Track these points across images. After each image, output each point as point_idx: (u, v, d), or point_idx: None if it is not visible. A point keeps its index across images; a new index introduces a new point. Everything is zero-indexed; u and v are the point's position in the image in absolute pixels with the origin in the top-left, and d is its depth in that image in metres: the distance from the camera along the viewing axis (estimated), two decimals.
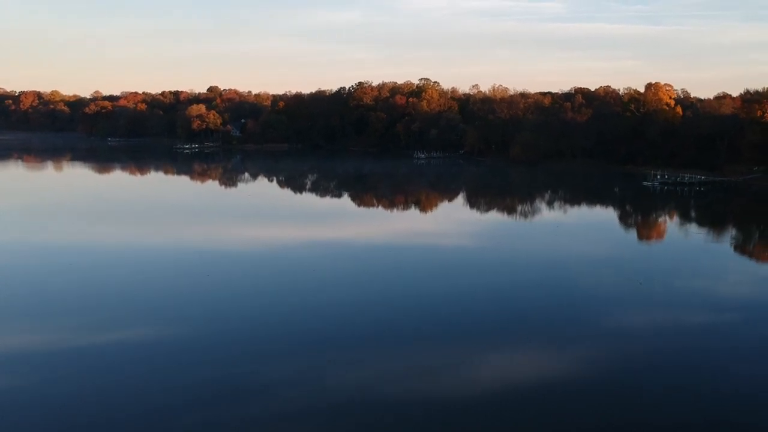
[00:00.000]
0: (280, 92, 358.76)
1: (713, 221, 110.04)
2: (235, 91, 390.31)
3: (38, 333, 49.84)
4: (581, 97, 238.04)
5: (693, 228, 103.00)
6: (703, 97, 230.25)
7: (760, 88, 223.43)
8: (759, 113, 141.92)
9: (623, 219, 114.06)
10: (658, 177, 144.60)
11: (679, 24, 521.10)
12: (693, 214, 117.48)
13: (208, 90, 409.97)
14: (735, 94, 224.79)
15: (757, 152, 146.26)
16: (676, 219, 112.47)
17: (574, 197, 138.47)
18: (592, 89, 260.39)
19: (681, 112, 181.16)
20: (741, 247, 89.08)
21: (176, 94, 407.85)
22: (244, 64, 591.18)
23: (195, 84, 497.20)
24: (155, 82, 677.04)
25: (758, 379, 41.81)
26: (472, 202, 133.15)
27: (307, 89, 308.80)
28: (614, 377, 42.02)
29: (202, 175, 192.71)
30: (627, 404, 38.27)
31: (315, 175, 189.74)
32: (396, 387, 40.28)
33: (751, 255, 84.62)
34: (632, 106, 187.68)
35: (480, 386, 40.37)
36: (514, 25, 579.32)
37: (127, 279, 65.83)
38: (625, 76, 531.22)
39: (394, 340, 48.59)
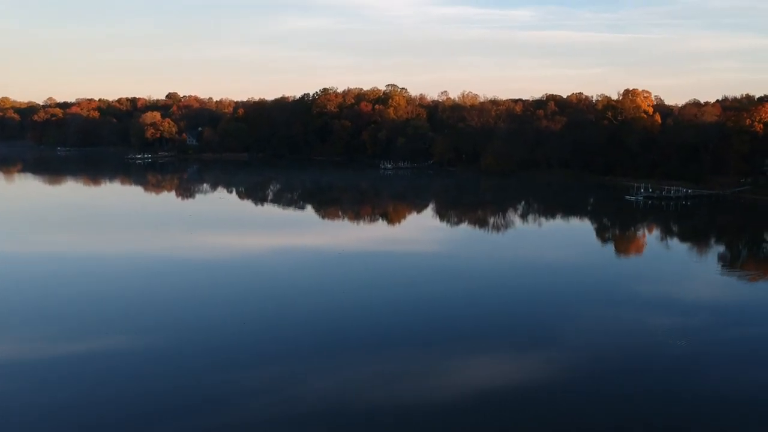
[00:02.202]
0: (245, 99, 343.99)
1: (706, 241, 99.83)
2: (195, 98, 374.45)
3: (6, 343, 49.66)
4: (554, 104, 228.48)
5: (684, 250, 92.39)
6: (669, 104, 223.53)
7: (737, 95, 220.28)
8: (748, 122, 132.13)
9: (608, 238, 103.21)
10: (642, 190, 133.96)
11: (645, 32, 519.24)
12: (682, 232, 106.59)
13: (167, 97, 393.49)
14: (702, 101, 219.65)
15: (744, 163, 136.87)
16: (663, 238, 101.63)
17: (552, 213, 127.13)
18: (564, 96, 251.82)
19: (660, 120, 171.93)
20: (744, 275, 78.26)
21: (133, 101, 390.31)
22: (209, 71, 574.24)
23: (159, 91, 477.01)
24: (116, 89, 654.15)
25: (730, 382, 42.57)
26: (445, 222, 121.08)
27: (272, 97, 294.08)
28: (589, 382, 42.78)
29: (156, 188, 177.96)
30: (601, 408, 38.95)
31: (263, 190, 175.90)
32: (372, 393, 40.73)
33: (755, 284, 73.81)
34: (609, 113, 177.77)
35: (453, 391, 40.68)
36: (483, 33, 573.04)
37: (92, 289, 65.39)
38: (594, 83, 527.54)
39: (371, 347, 49.27)
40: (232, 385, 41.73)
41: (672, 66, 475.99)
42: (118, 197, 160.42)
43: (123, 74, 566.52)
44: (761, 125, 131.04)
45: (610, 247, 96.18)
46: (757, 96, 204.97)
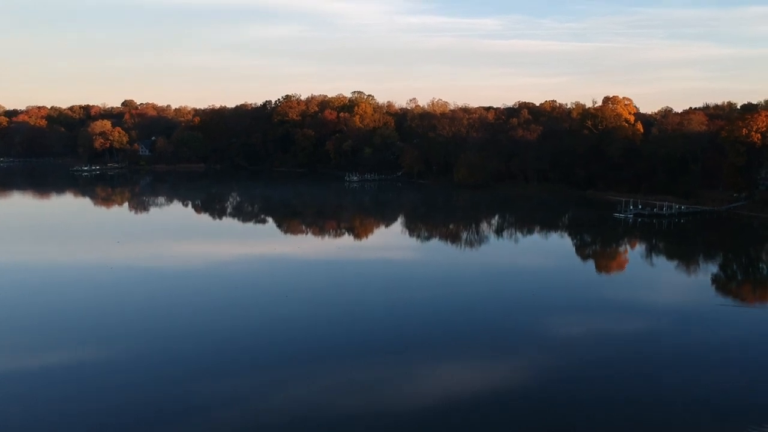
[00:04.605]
0: (205, 107, 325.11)
1: (718, 270, 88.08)
2: (153, 106, 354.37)
3: None
4: (527, 112, 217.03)
5: (696, 281, 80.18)
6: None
7: (719, 102, 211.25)
8: (744, 132, 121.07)
9: (599, 261, 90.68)
10: (631, 207, 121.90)
11: (609, 42, 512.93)
12: (684, 257, 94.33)
13: (122, 104, 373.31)
14: (673, 110, 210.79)
15: (739, 176, 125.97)
16: (661, 264, 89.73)
17: (535, 233, 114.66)
18: (537, 104, 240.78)
19: (641, 129, 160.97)
20: None
21: (86, 108, 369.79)
22: (172, 78, 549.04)
23: (120, 99, 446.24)
24: (75, 97, 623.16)
25: (692, 386, 43.75)
26: (416, 242, 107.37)
27: (234, 105, 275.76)
28: (557, 386, 43.27)
29: (106, 202, 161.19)
30: (569, 412, 39.51)
31: (205, 210, 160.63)
32: (343, 401, 40.53)
33: None
34: (589, 122, 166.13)
35: (430, 397, 41.06)
36: (451, 41, 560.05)
37: (60, 300, 64.98)
38: (560, 91, 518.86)
39: (342, 355, 49.03)
40: (204, 395, 41.51)
41: (637, 75, 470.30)
42: (59, 212, 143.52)
43: (83, 82, 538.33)
44: (759, 135, 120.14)
45: (607, 276, 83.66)
46: (739, 104, 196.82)
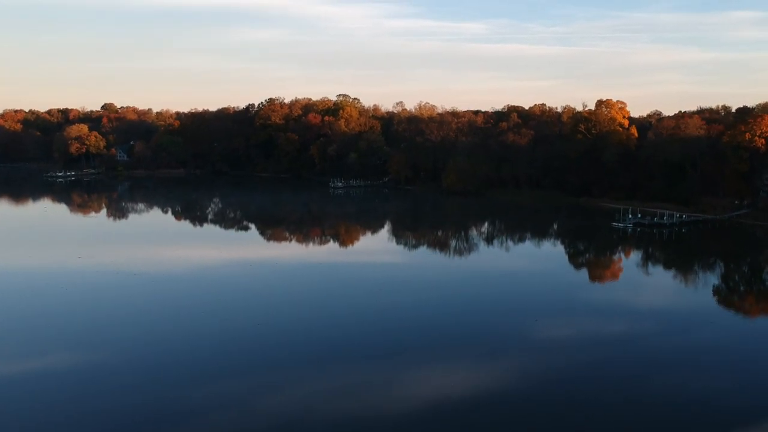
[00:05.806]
0: (187, 111, 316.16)
1: (725, 285, 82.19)
2: (134, 109, 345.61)
3: None
4: (516, 116, 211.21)
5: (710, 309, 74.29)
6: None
7: (712, 106, 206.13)
8: (747, 136, 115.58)
9: (601, 277, 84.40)
10: (630, 216, 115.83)
11: (594, 46, 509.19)
12: (690, 270, 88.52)
13: (102, 108, 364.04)
14: (667, 113, 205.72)
15: (741, 182, 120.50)
16: (664, 275, 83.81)
17: (531, 244, 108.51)
18: (526, 107, 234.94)
19: (636, 134, 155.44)
20: None
21: (65, 112, 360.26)
22: (157, 81, 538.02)
23: (101, 103, 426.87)
24: (60, 100, 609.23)
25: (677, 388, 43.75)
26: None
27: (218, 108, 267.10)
28: (546, 389, 43.39)
29: (82, 209, 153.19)
30: (559, 416, 39.46)
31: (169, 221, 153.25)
32: (331, 405, 40.49)
33: None
34: (582, 126, 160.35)
35: (422, 399, 41.14)
36: (437, 45, 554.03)
37: (49, 303, 65.17)
38: (546, 94, 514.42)
39: (336, 358, 48.96)
40: (199, 398, 41.62)
41: (624, 79, 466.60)
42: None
43: (66, 85, 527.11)
44: (762, 140, 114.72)
45: (608, 285, 77.46)
46: (734, 107, 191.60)
